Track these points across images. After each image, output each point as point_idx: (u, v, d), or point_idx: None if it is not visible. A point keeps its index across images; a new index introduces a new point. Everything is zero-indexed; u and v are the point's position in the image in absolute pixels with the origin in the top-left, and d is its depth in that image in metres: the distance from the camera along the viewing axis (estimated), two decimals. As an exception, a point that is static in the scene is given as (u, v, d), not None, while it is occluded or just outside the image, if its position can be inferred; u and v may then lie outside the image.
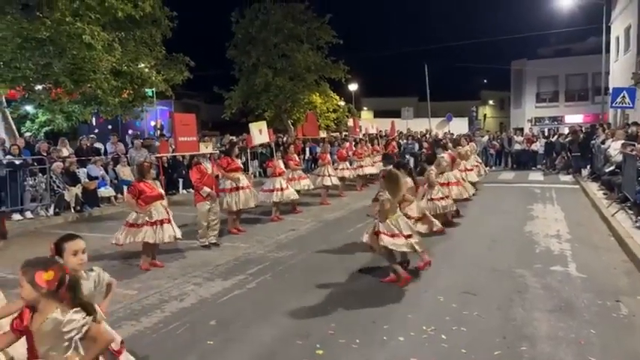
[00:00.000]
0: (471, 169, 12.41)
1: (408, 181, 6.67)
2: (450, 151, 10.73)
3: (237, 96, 25.14)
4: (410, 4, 74.34)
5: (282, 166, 11.02)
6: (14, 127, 13.51)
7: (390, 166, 7.61)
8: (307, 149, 20.08)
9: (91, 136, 16.78)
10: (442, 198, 8.74)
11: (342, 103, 29.59)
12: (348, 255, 7.32)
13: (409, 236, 5.77)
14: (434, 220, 7.40)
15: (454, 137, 17.36)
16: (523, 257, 6.99)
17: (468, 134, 19.79)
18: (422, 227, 7.05)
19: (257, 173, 17.86)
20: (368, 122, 24.96)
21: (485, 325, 4.59)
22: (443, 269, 6.43)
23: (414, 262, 6.31)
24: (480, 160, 14.96)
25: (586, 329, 4.47)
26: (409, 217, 6.36)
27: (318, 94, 26.83)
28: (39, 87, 13.06)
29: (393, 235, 5.72)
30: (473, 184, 12.07)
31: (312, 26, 24.88)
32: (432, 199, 8.62)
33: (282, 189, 10.45)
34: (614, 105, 15.50)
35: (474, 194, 11.52)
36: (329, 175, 12.82)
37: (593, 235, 8.45)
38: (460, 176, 10.22)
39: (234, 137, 18.47)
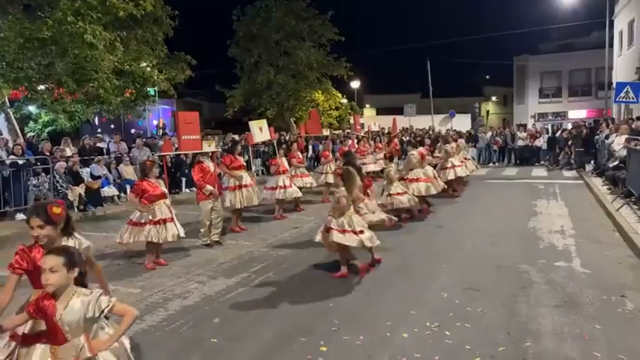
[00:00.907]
0: (459, 165, 12.66)
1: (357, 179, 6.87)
2: (420, 148, 11.04)
3: (240, 94, 25.14)
4: (411, 0, 74.16)
5: (285, 163, 11.01)
6: (17, 127, 13.56)
7: (343, 188, 7.93)
8: (310, 147, 20.06)
9: (98, 135, 16.87)
10: (399, 193, 9.00)
11: (345, 101, 29.56)
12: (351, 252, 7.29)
13: (361, 232, 5.94)
14: (385, 216, 7.39)
15: (441, 134, 17.46)
16: (527, 253, 6.96)
17: (455, 131, 19.78)
18: (373, 218, 7.03)
19: (260, 171, 17.88)
20: (370, 119, 24.94)
21: (489, 321, 4.57)
22: (446, 265, 6.42)
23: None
24: (470, 157, 15.35)
25: (591, 324, 4.45)
26: (359, 214, 6.53)
27: (320, 92, 26.81)
28: (41, 87, 13.09)
29: (343, 231, 5.89)
30: (461, 179, 12.76)
31: (314, 23, 24.84)
32: (390, 195, 8.95)
33: (285, 187, 10.44)
34: (617, 100, 15.42)
35: (454, 190, 12.46)
36: (331, 173, 12.80)
37: (598, 230, 8.41)
38: (432, 173, 10.43)
39: (236, 136, 18.48)
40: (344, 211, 5.98)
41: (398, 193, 9.00)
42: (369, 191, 7.30)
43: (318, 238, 6.28)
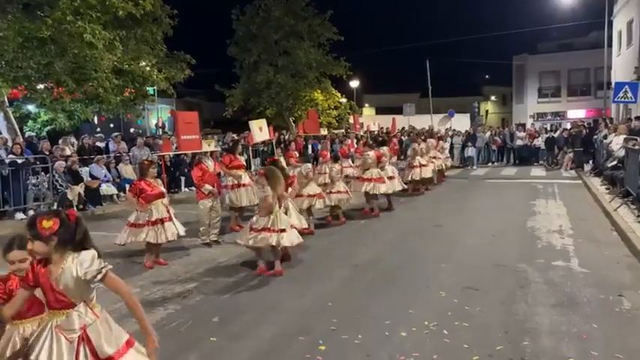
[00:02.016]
0: (426, 165, 13.05)
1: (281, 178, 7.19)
2: (378, 149, 11.24)
3: (239, 94, 25.14)
4: (410, 0, 74.12)
5: (283, 163, 11.01)
6: (16, 126, 13.55)
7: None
8: (309, 146, 20.06)
9: (99, 135, 16.87)
10: (339, 192, 9.37)
11: (344, 100, 29.56)
12: (349, 251, 7.33)
13: (282, 230, 6.10)
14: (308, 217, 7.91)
15: (409, 134, 17.77)
16: (525, 252, 6.98)
17: (427, 131, 19.80)
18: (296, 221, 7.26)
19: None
20: (369, 119, 24.94)
21: (487, 320, 4.59)
22: (445, 265, 6.44)
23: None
24: (442, 155, 16.08)
25: (588, 324, 4.47)
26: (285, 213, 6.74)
27: (319, 91, 26.80)
28: (41, 86, 13.08)
29: (262, 230, 6.07)
30: (429, 179, 13.44)
31: (313, 23, 24.84)
32: (329, 193, 9.26)
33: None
34: (616, 100, 15.45)
35: (427, 189, 13.41)
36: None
37: (596, 229, 8.44)
38: (391, 172, 10.79)
39: (235, 135, 18.48)
40: (271, 210, 6.15)
41: (337, 192, 9.37)
42: (290, 188, 7.55)
43: (240, 238, 6.45)
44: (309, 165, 6.10)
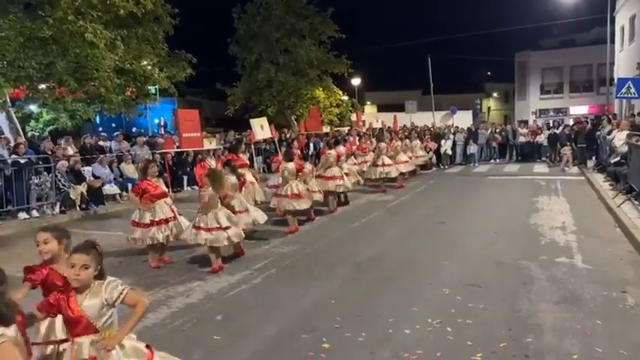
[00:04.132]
0: (390, 164, 13.34)
1: (232, 179, 7.39)
2: (341, 147, 12.01)
3: (240, 92, 25.13)
4: (412, -3, 73.95)
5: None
6: (19, 126, 13.57)
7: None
8: (311, 144, 20.05)
9: (102, 134, 16.90)
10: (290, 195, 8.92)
11: (345, 98, 29.53)
12: (352, 249, 7.33)
13: (227, 228, 6.38)
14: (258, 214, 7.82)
15: (375, 132, 18.06)
16: (528, 249, 6.97)
17: (392, 131, 19.74)
18: (246, 219, 7.47)
19: (261, 169, 17.88)
20: (372, 116, 24.89)
21: (490, 317, 4.59)
22: (447, 262, 6.44)
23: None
24: (417, 154, 16.94)
25: (592, 320, 4.46)
26: (234, 212, 6.96)
27: (321, 89, 26.78)
28: (42, 86, 13.10)
29: (210, 230, 6.32)
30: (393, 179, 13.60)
31: (315, 21, 24.80)
32: (276, 194, 9.14)
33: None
34: (619, 95, 15.38)
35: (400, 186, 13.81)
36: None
37: (599, 226, 8.42)
38: (347, 168, 11.45)
39: (236, 134, 18.49)
40: (209, 208, 6.44)
41: (295, 195, 8.93)
42: (243, 188, 7.86)
43: (185, 236, 6.62)
44: (209, 189, 6.36)
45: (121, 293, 2.78)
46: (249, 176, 9.26)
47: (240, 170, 9.14)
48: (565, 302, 4.93)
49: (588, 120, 21.05)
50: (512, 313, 4.70)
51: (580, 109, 34.12)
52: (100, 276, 2.81)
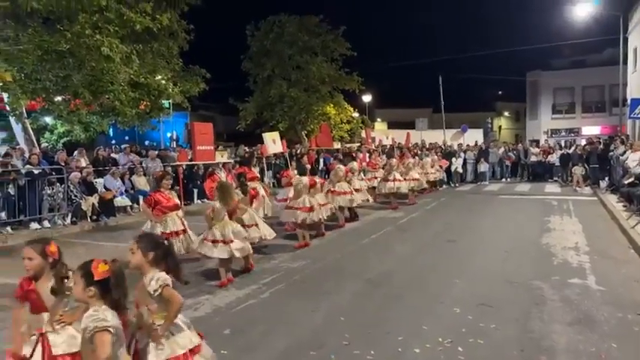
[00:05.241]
0: (400, 180, 13.50)
1: (239, 193, 7.36)
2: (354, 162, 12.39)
3: (252, 107, 25.35)
4: (424, 15, 74.53)
5: (296, 175, 11.06)
6: (34, 137, 13.77)
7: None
8: (321, 160, 20.10)
9: (114, 146, 17.09)
10: (304, 208, 8.88)
11: (356, 115, 29.63)
12: (362, 265, 7.28)
13: (231, 242, 6.36)
14: (266, 229, 7.80)
15: (386, 149, 18.20)
16: (540, 269, 6.87)
17: (404, 147, 19.72)
18: (255, 234, 7.44)
19: (271, 183, 17.93)
20: (382, 133, 24.93)
21: (502, 338, 4.51)
22: (458, 280, 6.36)
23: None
24: (426, 171, 16.86)
25: (607, 343, 4.36)
26: (243, 225, 6.95)
27: (332, 106, 26.92)
28: (58, 98, 13.30)
29: (215, 242, 6.32)
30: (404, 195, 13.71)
31: (327, 38, 25.06)
32: (288, 207, 9.11)
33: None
34: (632, 116, 15.32)
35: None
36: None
37: (613, 247, 8.29)
38: (359, 185, 11.61)
39: (246, 148, 18.60)
40: (213, 221, 6.48)
41: (299, 207, 8.87)
42: (254, 201, 7.88)
43: (198, 247, 6.62)
44: (216, 203, 6.37)
45: (161, 284, 3.00)
46: (260, 189, 9.30)
47: (251, 183, 9.23)
48: (579, 324, 4.83)
49: (601, 140, 20.91)
50: (525, 333, 4.62)
51: (592, 129, 33.92)
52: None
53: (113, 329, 2.56)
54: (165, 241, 3.26)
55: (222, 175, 8.35)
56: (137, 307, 3.07)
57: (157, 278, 2.98)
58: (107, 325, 2.53)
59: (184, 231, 6.99)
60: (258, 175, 9.79)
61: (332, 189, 10.55)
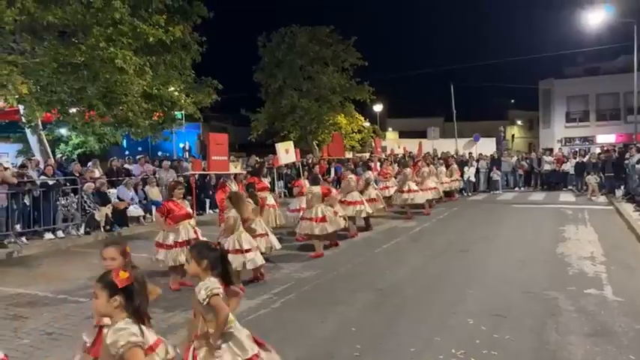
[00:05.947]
0: (416, 191, 13.31)
1: (250, 201, 7.36)
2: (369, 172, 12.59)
3: (264, 118, 25.53)
4: (435, 24, 74.61)
5: (308, 185, 11.06)
6: (49, 149, 13.97)
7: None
8: (332, 169, 20.09)
9: (128, 157, 17.28)
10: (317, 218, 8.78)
11: (367, 124, 29.66)
12: (374, 275, 7.22)
13: (248, 251, 6.44)
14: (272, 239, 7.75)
15: (399, 159, 18.12)
16: (555, 279, 6.76)
17: (416, 156, 19.55)
18: (262, 243, 7.40)
19: (283, 193, 17.95)
20: (393, 143, 24.88)
21: (517, 349, 4.43)
22: (472, 291, 6.28)
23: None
24: (448, 178, 17.18)
25: (625, 355, 4.27)
26: (254, 235, 7.01)
27: (343, 115, 26.99)
28: (73, 110, 13.51)
29: (234, 252, 6.30)
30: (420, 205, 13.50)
31: (338, 49, 25.20)
32: (303, 218, 9.09)
33: (308, 208, 10.46)
34: (647, 124, 15.08)
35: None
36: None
37: (630, 257, 8.14)
38: (374, 195, 11.68)
39: (257, 158, 18.68)
40: (232, 230, 6.52)
41: (309, 218, 8.83)
42: (263, 211, 7.90)
43: None
44: (234, 212, 6.45)
45: (209, 291, 3.03)
46: (270, 199, 9.32)
47: (260, 193, 9.24)
48: (595, 335, 4.73)
49: (616, 148, 20.63)
50: (540, 345, 4.53)
51: (607, 137, 33.48)
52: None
53: (142, 344, 2.52)
54: (217, 247, 3.26)
55: (232, 186, 8.35)
56: (194, 315, 3.13)
57: (205, 287, 2.98)
58: (139, 341, 2.50)
59: (197, 240, 7.00)
60: (269, 185, 9.79)
61: (343, 199, 10.54)
